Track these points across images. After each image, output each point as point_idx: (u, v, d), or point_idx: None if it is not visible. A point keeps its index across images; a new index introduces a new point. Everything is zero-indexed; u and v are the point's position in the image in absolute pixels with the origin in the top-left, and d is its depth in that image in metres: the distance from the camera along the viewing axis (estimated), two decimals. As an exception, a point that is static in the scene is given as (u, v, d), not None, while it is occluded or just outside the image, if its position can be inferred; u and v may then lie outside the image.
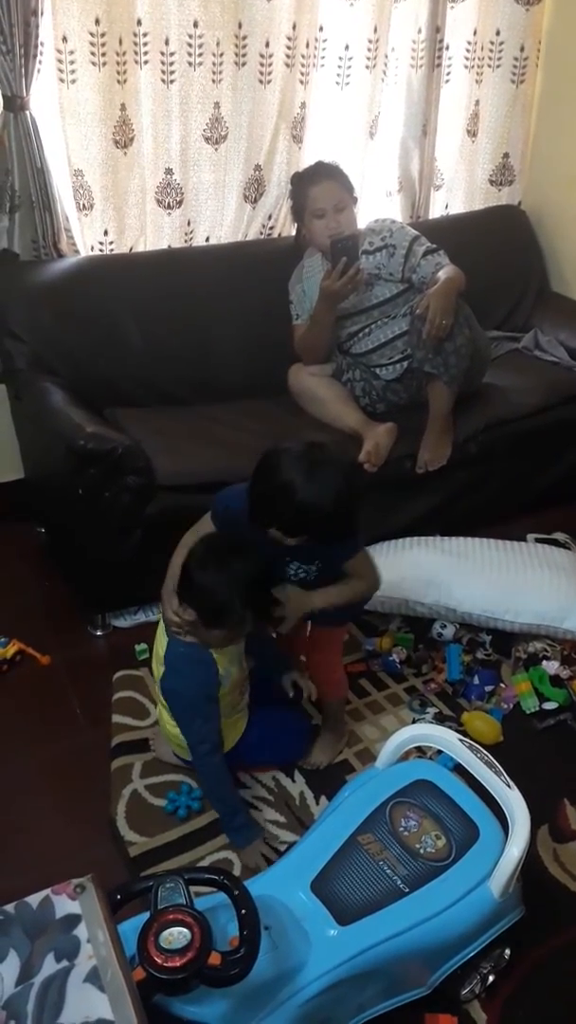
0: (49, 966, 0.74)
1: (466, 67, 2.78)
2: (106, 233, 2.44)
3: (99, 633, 2.18)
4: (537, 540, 2.40)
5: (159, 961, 0.99)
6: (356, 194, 2.39)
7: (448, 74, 2.76)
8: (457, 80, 2.78)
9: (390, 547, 2.28)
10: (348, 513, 1.46)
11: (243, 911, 1.09)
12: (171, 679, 1.57)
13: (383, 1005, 1.31)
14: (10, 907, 0.83)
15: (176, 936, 1.02)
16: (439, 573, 2.15)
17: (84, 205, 2.37)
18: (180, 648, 1.55)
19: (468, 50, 2.76)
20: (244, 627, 1.52)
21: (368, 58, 2.59)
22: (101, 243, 2.45)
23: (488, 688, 1.98)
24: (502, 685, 2.00)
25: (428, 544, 2.27)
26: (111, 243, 2.46)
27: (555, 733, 1.88)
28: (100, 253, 2.45)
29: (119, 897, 1.11)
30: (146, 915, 1.05)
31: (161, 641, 1.63)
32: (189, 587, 1.48)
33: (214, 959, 1.02)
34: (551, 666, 2.00)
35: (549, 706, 1.92)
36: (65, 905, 0.79)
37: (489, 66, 2.80)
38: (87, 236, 2.41)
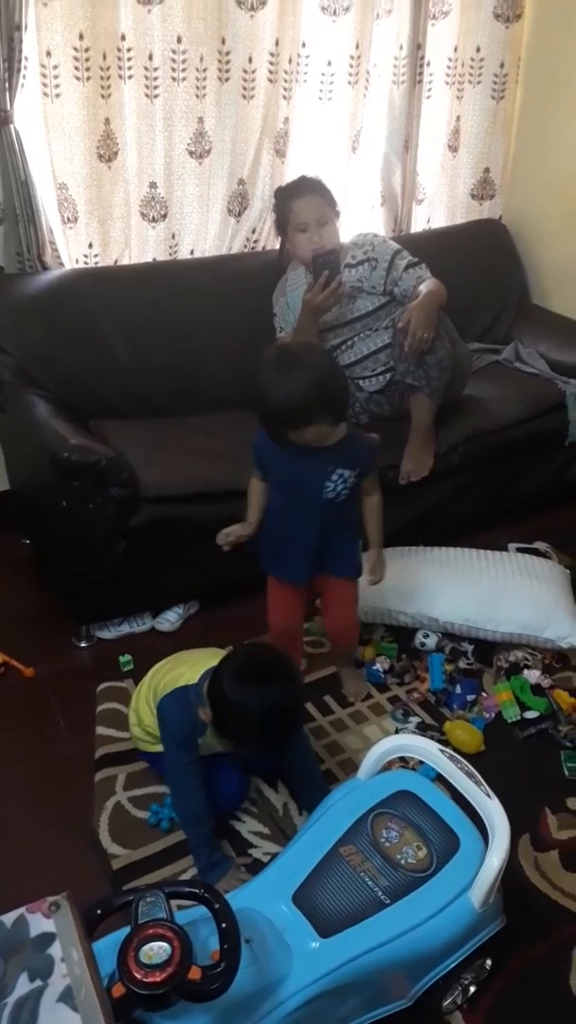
0: (22, 986, 0.74)
1: (447, 83, 2.82)
2: (91, 246, 2.45)
3: (83, 645, 2.18)
4: (519, 550, 2.42)
5: (139, 976, 0.99)
6: (339, 208, 2.41)
7: (429, 90, 2.80)
8: (438, 96, 2.82)
9: (373, 558, 2.29)
10: (336, 391, 1.60)
11: (223, 924, 1.09)
12: (166, 708, 1.57)
13: (365, 1017, 1.31)
14: (-15, 925, 0.82)
15: (156, 951, 1.02)
16: (422, 583, 2.17)
17: (68, 218, 2.38)
18: (179, 699, 1.54)
19: (449, 66, 2.80)
20: (252, 751, 1.51)
21: (350, 74, 2.62)
22: (86, 256, 2.46)
23: (470, 697, 1.99)
24: (484, 694, 2.02)
25: (411, 554, 2.29)
26: (96, 256, 2.47)
27: (536, 742, 1.89)
28: (85, 266, 2.46)
29: (99, 912, 1.10)
30: (127, 930, 1.05)
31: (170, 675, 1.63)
32: (215, 690, 1.44)
33: (194, 974, 1.02)
34: (532, 675, 2.02)
35: (530, 715, 1.93)
36: (40, 923, 0.79)
37: (470, 82, 2.85)
38: (72, 249, 2.43)
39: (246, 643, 1.80)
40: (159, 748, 1.64)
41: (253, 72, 2.48)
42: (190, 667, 1.60)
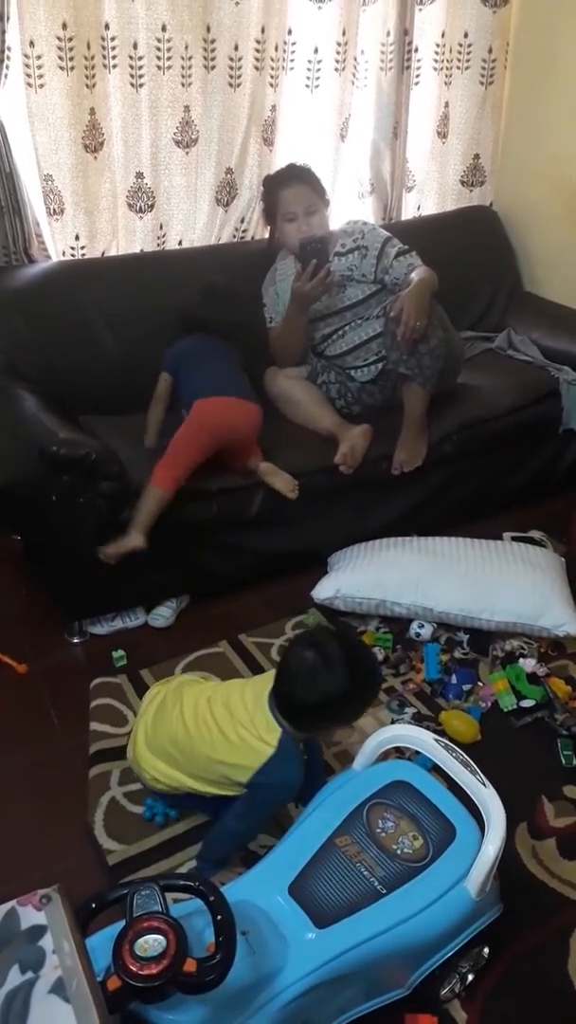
0: (14, 978, 0.74)
1: (435, 69, 2.80)
2: (77, 238, 2.43)
3: (76, 640, 2.17)
4: (513, 539, 2.42)
5: (134, 969, 0.99)
6: (328, 197, 2.39)
7: (417, 76, 2.78)
8: (426, 82, 2.80)
9: (367, 548, 2.28)
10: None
11: (219, 917, 1.08)
12: (278, 773, 1.46)
13: (363, 1007, 1.31)
14: (-23, 920, 0.82)
15: (151, 944, 1.01)
16: (416, 573, 2.16)
17: (55, 210, 2.36)
18: (290, 746, 1.47)
19: (437, 52, 2.78)
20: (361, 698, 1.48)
21: (337, 61, 2.60)
22: (72, 248, 2.44)
23: (466, 687, 1.99)
24: (480, 684, 2.01)
25: (405, 544, 2.28)
26: (83, 248, 2.45)
27: (532, 730, 1.89)
28: (72, 258, 2.44)
29: (94, 906, 1.10)
30: (122, 924, 1.04)
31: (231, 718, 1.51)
32: (313, 705, 1.41)
33: (189, 966, 1.01)
34: (528, 664, 2.01)
35: (526, 704, 1.93)
36: (31, 916, 0.79)
37: (458, 68, 2.83)
38: (58, 241, 2.41)
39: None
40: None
41: (239, 60, 2.45)
42: (236, 708, 1.50)
